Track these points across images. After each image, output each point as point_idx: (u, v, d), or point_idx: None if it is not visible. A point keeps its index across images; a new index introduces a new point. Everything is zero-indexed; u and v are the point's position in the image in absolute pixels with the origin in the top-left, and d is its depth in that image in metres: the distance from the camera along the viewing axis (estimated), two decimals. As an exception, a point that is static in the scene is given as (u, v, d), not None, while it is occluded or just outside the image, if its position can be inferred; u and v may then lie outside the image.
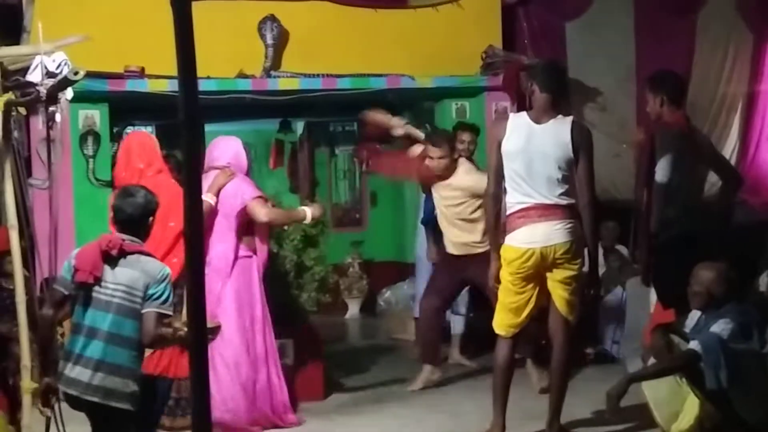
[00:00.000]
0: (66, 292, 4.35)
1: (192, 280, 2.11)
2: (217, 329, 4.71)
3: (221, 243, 5.81)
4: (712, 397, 4.85)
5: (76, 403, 4.32)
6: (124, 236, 4.37)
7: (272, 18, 8.72)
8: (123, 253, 4.29)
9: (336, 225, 11.25)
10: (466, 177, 6.72)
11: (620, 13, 9.08)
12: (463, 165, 6.84)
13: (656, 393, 5.07)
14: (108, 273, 4.27)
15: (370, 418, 6.14)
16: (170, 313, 4.30)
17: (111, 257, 4.28)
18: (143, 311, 4.24)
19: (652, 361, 5.33)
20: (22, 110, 5.93)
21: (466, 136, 7.41)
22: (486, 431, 5.39)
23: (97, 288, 4.26)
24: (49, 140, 5.24)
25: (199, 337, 2.08)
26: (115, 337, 4.22)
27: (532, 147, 5.10)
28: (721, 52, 9.14)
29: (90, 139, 8.49)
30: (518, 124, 5.21)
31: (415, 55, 8.95)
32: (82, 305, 4.30)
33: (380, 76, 8.91)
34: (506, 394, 5.32)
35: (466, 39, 9.00)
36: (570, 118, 5.27)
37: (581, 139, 5.16)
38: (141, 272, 4.26)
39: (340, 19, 8.81)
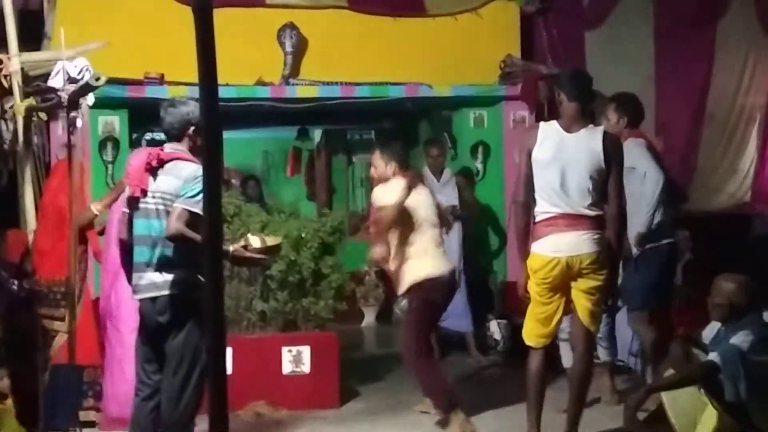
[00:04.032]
0: (130, 212, 4.65)
1: (210, 284, 2.11)
2: (276, 248, 4.86)
3: (114, 247, 5.59)
4: (730, 409, 4.82)
5: (147, 317, 4.55)
6: (167, 145, 4.60)
7: (291, 26, 8.75)
8: (162, 162, 4.52)
9: (353, 233, 11.23)
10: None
11: (640, 23, 9.06)
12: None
13: (675, 401, 5.04)
14: (152, 183, 4.52)
15: (385, 427, 6.12)
16: (199, 211, 4.33)
17: (154, 169, 4.52)
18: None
19: (669, 371, 5.30)
20: (43, 115, 5.96)
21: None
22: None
23: (144, 199, 4.52)
24: (69, 146, 5.27)
25: (218, 340, 2.08)
26: (159, 239, 4.47)
27: (565, 156, 5.04)
28: (741, 63, 9.09)
29: (109, 145, 8.55)
30: (549, 132, 5.13)
31: (433, 64, 8.95)
32: (137, 217, 4.57)
33: (398, 84, 8.92)
34: (540, 404, 5.24)
35: (485, 48, 9.00)
36: (601, 128, 5.23)
37: (613, 150, 5.11)
38: (176, 177, 4.47)
39: (359, 27, 8.85)
